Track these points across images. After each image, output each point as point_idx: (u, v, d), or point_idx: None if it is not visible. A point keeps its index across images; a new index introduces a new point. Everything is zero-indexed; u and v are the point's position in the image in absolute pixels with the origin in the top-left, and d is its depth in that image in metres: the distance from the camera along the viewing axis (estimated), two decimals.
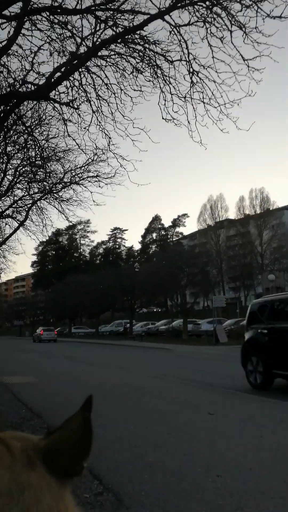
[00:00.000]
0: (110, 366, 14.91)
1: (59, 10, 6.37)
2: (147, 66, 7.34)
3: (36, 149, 11.25)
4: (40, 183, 13.77)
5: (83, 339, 45.86)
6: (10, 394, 8.53)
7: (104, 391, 8.67)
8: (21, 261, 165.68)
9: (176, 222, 77.37)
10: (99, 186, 11.97)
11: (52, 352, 24.15)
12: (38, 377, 11.39)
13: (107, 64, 7.47)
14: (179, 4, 6.30)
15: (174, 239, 75.78)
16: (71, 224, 59.60)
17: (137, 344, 32.05)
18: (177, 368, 14.23)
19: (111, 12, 6.77)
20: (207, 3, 6.45)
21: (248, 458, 4.24)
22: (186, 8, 6.48)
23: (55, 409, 6.96)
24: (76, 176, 13.00)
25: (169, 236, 78.06)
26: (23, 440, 0.51)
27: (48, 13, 6.54)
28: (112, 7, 6.60)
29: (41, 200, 14.18)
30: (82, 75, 7.55)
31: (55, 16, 6.69)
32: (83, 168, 12.64)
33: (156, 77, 7.33)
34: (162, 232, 79.25)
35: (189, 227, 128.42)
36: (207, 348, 25.07)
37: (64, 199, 13.53)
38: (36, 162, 12.32)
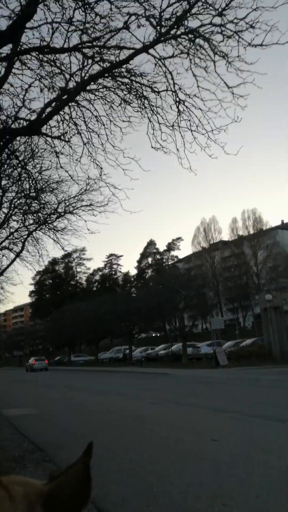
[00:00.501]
0: (110, 394, 14.68)
1: (47, 50, 6.60)
2: (134, 97, 7.55)
3: (30, 182, 11.44)
4: (35, 214, 13.92)
5: (83, 367, 45.20)
6: (11, 427, 8.37)
7: (105, 420, 8.53)
8: (19, 291, 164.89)
9: (170, 246, 77.70)
10: (93, 215, 12.11)
11: (52, 382, 23.76)
12: (39, 408, 11.20)
13: (95, 97, 7.69)
14: (163, 38, 6.55)
15: (169, 263, 75.89)
16: (66, 252, 59.62)
17: (137, 370, 31.63)
18: (178, 393, 14.03)
19: (98, 48, 7.02)
20: (190, 35, 6.71)
21: (254, 485, 4.16)
22: (170, 41, 6.74)
23: (58, 441, 6.83)
24: (70, 206, 13.17)
25: (164, 260, 78.20)
26: (26, 485, 0.53)
27: (37, 53, 6.77)
28: (98, 44, 6.85)
29: (37, 231, 14.31)
30: (72, 109, 7.76)
31: (44, 55, 6.92)
32: (76, 198, 12.83)
33: (143, 107, 7.54)
34: (157, 256, 79.43)
35: (184, 250, 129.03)
36: (208, 371, 24.79)
37: (59, 228, 13.66)
38: (31, 194, 12.50)
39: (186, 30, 6.70)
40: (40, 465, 5.23)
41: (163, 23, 6.50)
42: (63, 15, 6.36)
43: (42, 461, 5.48)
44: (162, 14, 6.37)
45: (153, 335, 67.77)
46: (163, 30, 6.51)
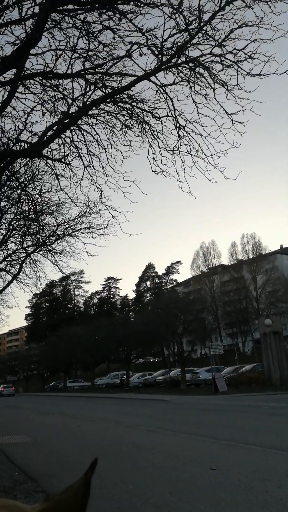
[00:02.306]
0: (107, 421, 14.35)
1: (50, 75, 6.75)
2: (135, 122, 7.69)
3: (30, 204, 11.50)
4: (33, 236, 13.93)
5: (78, 393, 44.38)
6: (2, 456, 8.12)
7: (101, 449, 8.30)
8: (15, 314, 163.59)
9: (169, 270, 77.68)
10: (92, 237, 12.15)
11: (47, 409, 23.26)
12: (32, 435, 10.90)
13: (97, 121, 7.82)
14: (164, 66, 6.72)
15: (168, 287, 75.69)
16: (64, 275, 59.59)
17: (134, 397, 31.06)
18: (176, 421, 13.72)
19: (100, 75, 7.19)
20: (190, 64, 6.88)
21: None
22: (171, 69, 6.91)
23: (50, 471, 6.62)
24: (69, 228, 13.21)
25: (163, 284, 78.01)
26: (14, 509, 0.50)
27: (40, 78, 6.92)
28: (101, 70, 7.01)
29: (35, 253, 14.30)
30: (73, 133, 7.88)
31: (47, 80, 7.07)
32: (76, 220, 12.88)
33: (144, 132, 7.67)
34: (156, 280, 79.27)
35: (183, 274, 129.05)
36: (207, 398, 24.35)
37: (58, 251, 13.66)
38: (30, 216, 12.54)
39: (187, 59, 6.88)
40: (31, 496, 5.05)
41: (164, 52, 6.68)
42: (67, 43, 6.54)
43: (34, 492, 5.29)
44: (163, 43, 6.55)
45: (151, 360, 66.93)
46: (164, 58, 6.69)
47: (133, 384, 41.65)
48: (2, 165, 7.42)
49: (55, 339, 53.76)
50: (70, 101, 7.40)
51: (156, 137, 7.66)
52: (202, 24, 6.27)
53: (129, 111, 7.58)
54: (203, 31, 6.41)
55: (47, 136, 6.95)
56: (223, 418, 13.50)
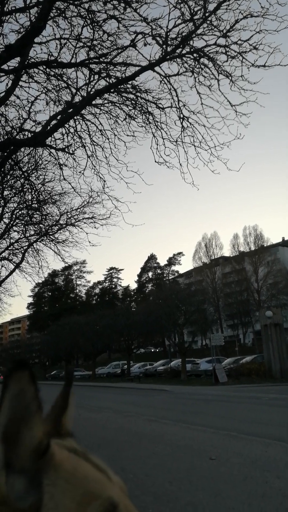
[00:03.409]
0: (107, 410, 14.49)
1: (55, 64, 6.70)
2: (139, 113, 7.66)
3: (33, 193, 11.50)
4: (36, 226, 13.96)
5: (79, 382, 44.73)
6: None
7: (101, 438, 8.39)
8: (17, 303, 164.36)
9: (171, 261, 77.72)
10: (95, 227, 12.18)
11: (48, 398, 23.45)
12: None
13: (101, 111, 7.79)
14: (168, 57, 6.66)
15: (170, 278, 75.79)
16: (67, 265, 59.70)
17: (135, 386, 31.29)
18: (176, 411, 13.85)
19: (104, 64, 7.14)
20: (195, 55, 6.82)
21: (253, 506, 4.07)
22: (175, 60, 6.85)
23: None
24: (72, 218, 13.22)
25: (165, 275, 78.10)
26: None
27: (44, 67, 6.88)
28: (105, 60, 6.96)
29: (37, 242, 14.33)
30: (77, 122, 7.85)
31: (51, 69, 7.03)
32: (78, 210, 12.89)
33: (148, 123, 7.64)
34: (158, 271, 79.38)
35: (185, 265, 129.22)
36: (207, 388, 24.52)
37: (60, 240, 13.69)
38: (33, 205, 12.54)
39: (191, 50, 6.82)
40: None
41: (169, 42, 6.62)
42: (72, 32, 6.49)
43: None
44: (168, 33, 6.49)
45: (152, 350, 67.30)
46: (169, 49, 6.63)
47: (134, 374, 41.93)
48: (5, 154, 7.41)
49: (57, 328, 54.04)
50: (74, 90, 7.37)
51: (159, 128, 7.63)
52: (207, 14, 6.20)
53: (133, 101, 7.55)
54: (208, 21, 6.35)
55: (51, 126, 6.93)
56: (223, 409, 13.61)
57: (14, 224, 13.87)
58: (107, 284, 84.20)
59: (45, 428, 0.52)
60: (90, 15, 6.31)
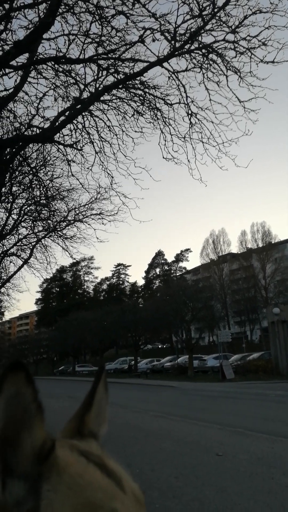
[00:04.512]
0: (114, 406, 14.56)
1: (63, 60, 6.71)
2: (147, 109, 7.65)
3: (41, 189, 11.54)
4: (44, 222, 14.02)
5: (87, 378, 44.98)
6: None
7: (108, 433, 8.38)
8: (25, 298, 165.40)
9: (179, 257, 77.62)
10: (102, 224, 12.20)
11: (56, 392, 23.65)
12: None
13: (109, 107, 7.79)
14: (177, 53, 6.64)
15: (177, 274, 75.73)
16: (75, 261, 59.93)
17: (142, 382, 31.39)
18: (183, 407, 13.88)
19: (113, 60, 7.13)
20: (203, 51, 6.79)
21: (259, 502, 4.08)
22: (183, 56, 6.82)
23: None
24: (79, 214, 13.26)
25: (172, 271, 78.06)
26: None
27: (53, 63, 6.89)
28: (113, 56, 6.95)
29: (45, 238, 14.38)
30: (85, 119, 7.86)
31: (60, 65, 7.03)
32: (86, 206, 12.92)
33: (156, 119, 7.62)
34: (166, 267, 79.34)
35: (192, 262, 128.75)
36: (214, 385, 24.52)
37: (68, 236, 13.74)
38: (41, 201, 12.59)
39: (200, 46, 6.79)
40: None
41: (177, 38, 6.60)
42: (80, 28, 6.48)
43: None
44: (177, 29, 6.46)
45: (159, 346, 67.41)
46: (177, 44, 6.60)
47: (141, 369, 42.04)
48: (14, 150, 7.44)
49: (64, 323, 54.34)
50: (82, 86, 7.38)
51: (167, 124, 7.62)
52: (216, 10, 6.17)
53: (141, 97, 7.54)
54: (217, 17, 6.31)
55: (59, 122, 6.95)
56: (230, 405, 13.62)
57: (22, 220, 13.96)
58: (114, 280, 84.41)
59: (59, 430, 0.51)
60: (98, 10, 6.30)
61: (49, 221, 13.90)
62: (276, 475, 5.00)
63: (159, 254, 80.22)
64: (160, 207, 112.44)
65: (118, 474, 0.53)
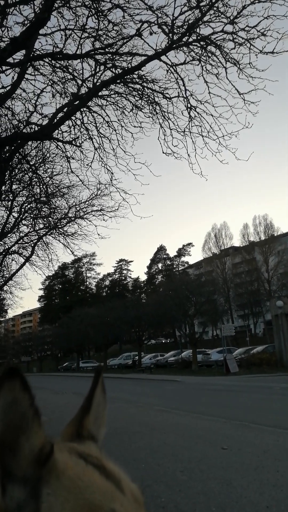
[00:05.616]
0: (119, 401, 14.61)
1: (60, 56, 6.67)
2: (146, 103, 7.60)
3: (41, 186, 11.52)
4: (45, 219, 14.00)
5: (91, 374, 45.05)
6: None
7: (113, 428, 8.47)
8: (28, 296, 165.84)
9: (181, 252, 77.59)
10: (103, 220, 12.17)
11: (61, 389, 23.74)
12: (47, 415, 11.17)
13: (107, 103, 7.75)
14: (175, 45, 6.58)
15: (179, 269, 75.72)
16: (76, 257, 59.98)
17: (146, 377, 31.49)
18: (187, 401, 13.91)
19: (110, 55, 7.07)
20: (202, 43, 6.73)
21: (265, 495, 4.08)
22: (181, 48, 6.76)
23: None
24: (80, 211, 13.23)
25: (174, 266, 78.05)
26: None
27: (50, 59, 6.84)
28: (111, 50, 6.90)
29: (47, 236, 14.37)
30: (83, 115, 7.82)
31: (57, 61, 6.99)
32: (87, 202, 12.89)
33: (155, 113, 7.58)
34: (168, 262, 79.32)
35: (194, 256, 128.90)
36: (218, 378, 24.56)
37: (69, 233, 13.72)
38: (41, 199, 12.57)
39: (198, 38, 6.73)
40: None
41: (175, 30, 6.54)
42: (76, 22, 6.43)
43: None
44: (174, 21, 6.40)
45: (163, 341, 67.55)
46: (175, 37, 6.54)
47: (145, 364, 42.16)
48: (13, 147, 7.41)
49: (67, 320, 54.47)
50: (80, 82, 7.33)
51: (167, 118, 7.57)
52: (214, 0, 6.09)
53: (139, 92, 7.49)
54: (215, 8, 6.24)
55: (57, 118, 6.91)
56: (234, 399, 13.64)
57: (23, 218, 13.93)
58: (117, 276, 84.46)
59: (62, 433, 0.51)
60: (94, 4, 6.25)
61: (49, 218, 13.89)
62: (282, 468, 5.01)
63: (161, 249, 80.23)
64: (161, 202, 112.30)
65: (117, 475, 0.54)
